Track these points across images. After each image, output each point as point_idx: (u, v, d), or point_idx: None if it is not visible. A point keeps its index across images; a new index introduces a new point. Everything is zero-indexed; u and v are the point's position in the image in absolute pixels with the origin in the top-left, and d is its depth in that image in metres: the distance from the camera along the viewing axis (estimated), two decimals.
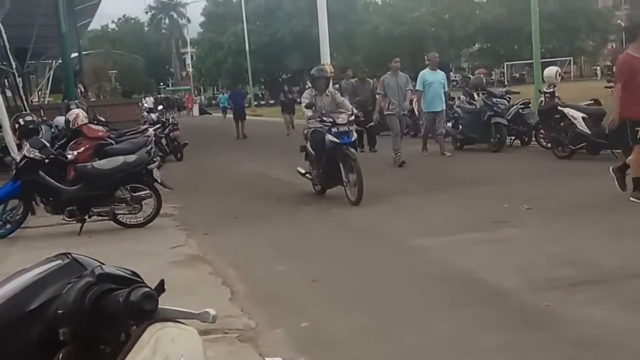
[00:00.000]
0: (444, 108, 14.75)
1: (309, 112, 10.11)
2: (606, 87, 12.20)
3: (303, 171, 10.83)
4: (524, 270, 5.84)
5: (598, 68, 58.64)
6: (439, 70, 14.88)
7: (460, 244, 6.95)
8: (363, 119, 14.28)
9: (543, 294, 5.17)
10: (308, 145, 10.48)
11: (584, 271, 5.72)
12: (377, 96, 14.58)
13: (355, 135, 9.95)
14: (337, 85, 20.57)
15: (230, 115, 30.04)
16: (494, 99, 14.98)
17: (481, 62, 62.21)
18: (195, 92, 72.68)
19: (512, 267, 5.98)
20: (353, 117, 10.15)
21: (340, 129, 9.66)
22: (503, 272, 5.83)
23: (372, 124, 15.35)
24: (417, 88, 14.75)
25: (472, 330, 4.62)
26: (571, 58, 62.31)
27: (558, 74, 14.19)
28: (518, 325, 4.64)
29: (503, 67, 63.31)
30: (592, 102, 12.77)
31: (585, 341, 4.32)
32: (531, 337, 4.45)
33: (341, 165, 9.62)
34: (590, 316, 4.67)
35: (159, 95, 58.54)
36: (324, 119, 9.83)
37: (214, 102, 66.08)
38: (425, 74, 14.57)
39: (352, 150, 9.73)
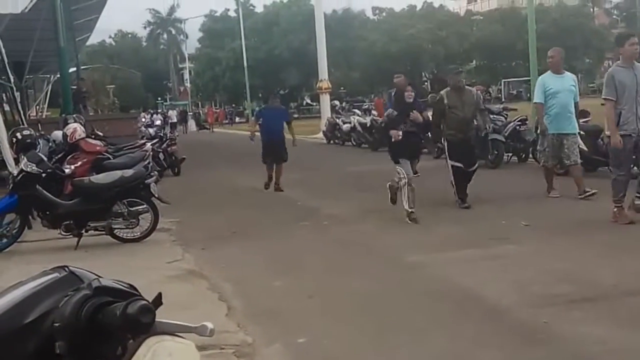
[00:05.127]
0: (576, 130, 10.34)
1: None
2: (602, 104, 12.08)
3: None
4: (522, 287, 5.83)
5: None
6: (567, 73, 10.49)
7: (458, 260, 6.94)
8: (463, 151, 10.01)
9: (541, 310, 5.16)
10: None
11: (581, 288, 5.71)
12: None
13: None
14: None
15: None
16: (492, 116, 15.02)
17: (478, 79, 62.53)
18: (193, 107, 72.73)
19: (509, 283, 5.97)
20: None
21: None
22: (501, 289, 5.82)
23: (475, 167, 10.29)
24: (535, 100, 10.52)
25: (470, 346, 4.60)
26: None
27: None
28: (516, 342, 4.63)
29: (500, 84, 63.61)
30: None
31: (582, 358, 4.31)
32: (529, 354, 4.44)
33: None
34: (588, 333, 4.66)
35: (178, 109, 58.01)
36: None
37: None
38: (547, 79, 10.33)
39: None
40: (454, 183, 10.14)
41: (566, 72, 10.53)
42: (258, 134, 13.97)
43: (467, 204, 9.99)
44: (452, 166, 10.06)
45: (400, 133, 9.33)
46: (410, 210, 9.10)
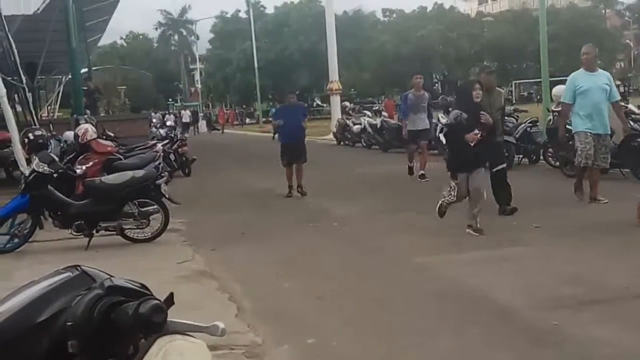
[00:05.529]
0: (608, 131, 9.91)
1: None
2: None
3: None
4: (532, 289, 5.82)
5: None
6: (600, 71, 10.11)
7: (468, 262, 6.93)
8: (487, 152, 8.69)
9: (551, 312, 5.15)
10: None
11: (592, 290, 5.70)
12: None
13: None
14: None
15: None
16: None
17: None
18: (204, 107, 72.87)
19: (520, 285, 5.96)
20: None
21: None
22: (511, 291, 5.81)
23: (503, 166, 9.59)
24: (563, 99, 10.31)
25: (479, 348, 4.60)
26: None
27: None
28: (525, 344, 4.62)
29: (511, 86, 63.42)
30: None
31: None
32: (538, 356, 4.43)
33: None
34: (598, 336, 4.64)
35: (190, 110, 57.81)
36: None
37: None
38: (578, 76, 9.90)
39: None
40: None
41: (600, 69, 10.09)
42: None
43: (509, 206, 9.30)
44: None
45: (478, 133, 8.05)
46: (444, 204, 8.43)
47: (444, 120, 16.80)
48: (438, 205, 8.54)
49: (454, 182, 8.30)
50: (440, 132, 16.92)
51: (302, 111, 13.38)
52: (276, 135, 13.39)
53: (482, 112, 8.18)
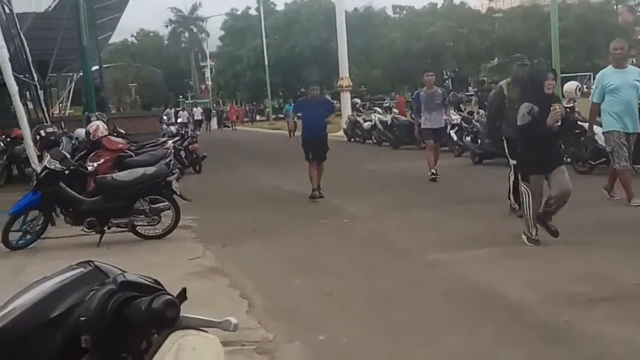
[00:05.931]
0: (638, 129, 9.48)
1: None
2: None
3: None
4: (543, 286, 5.80)
5: None
6: (630, 67, 9.74)
7: (478, 259, 6.91)
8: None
9: (562, 309, 5.13)
10: None
11: (603, 288, 5.67)
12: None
13: None
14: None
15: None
16: None
17: (500, 77, 62.15)
18: (215, 104, 72.96)
19: (530, 282, 5.94)
20: None
21: None
22: (521, 287, 5.79)
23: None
24: (591, 98, 9.76)
25: (490, 345, 4.59)
26: (591, 73, 62.08)
27: (578, 89, 14.06)
28: (536, 341, 4.61)
29: None
30: None
31: (604, 358, 4.28)
32: (550, 352, 4.42)
33: None
34: (610, 333, 4.62)
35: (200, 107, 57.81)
36: None
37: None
38: (607, 73, 9.48)
39: None
40: (511, 189, 8.73)
41: (630, 65, 9.78)
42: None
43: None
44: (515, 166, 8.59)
45: (560, 115, 7.05)
46: (534, 232, 7.33)
47: (455, 117, 16.78)
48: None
49: (525, 185, 7.38)
50: (452, 129, 16.91)
51: (325, 106, 12.58)
52: (293, 134, 12.45)
53: (555, 104, 7.22)
